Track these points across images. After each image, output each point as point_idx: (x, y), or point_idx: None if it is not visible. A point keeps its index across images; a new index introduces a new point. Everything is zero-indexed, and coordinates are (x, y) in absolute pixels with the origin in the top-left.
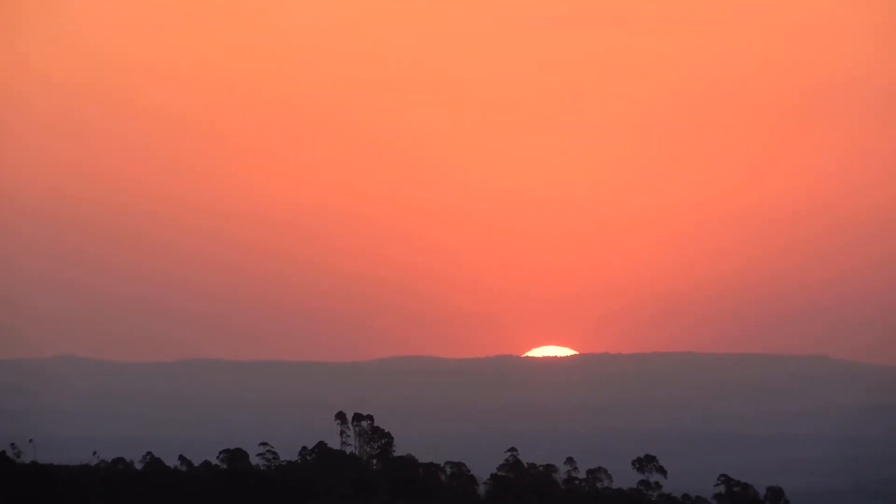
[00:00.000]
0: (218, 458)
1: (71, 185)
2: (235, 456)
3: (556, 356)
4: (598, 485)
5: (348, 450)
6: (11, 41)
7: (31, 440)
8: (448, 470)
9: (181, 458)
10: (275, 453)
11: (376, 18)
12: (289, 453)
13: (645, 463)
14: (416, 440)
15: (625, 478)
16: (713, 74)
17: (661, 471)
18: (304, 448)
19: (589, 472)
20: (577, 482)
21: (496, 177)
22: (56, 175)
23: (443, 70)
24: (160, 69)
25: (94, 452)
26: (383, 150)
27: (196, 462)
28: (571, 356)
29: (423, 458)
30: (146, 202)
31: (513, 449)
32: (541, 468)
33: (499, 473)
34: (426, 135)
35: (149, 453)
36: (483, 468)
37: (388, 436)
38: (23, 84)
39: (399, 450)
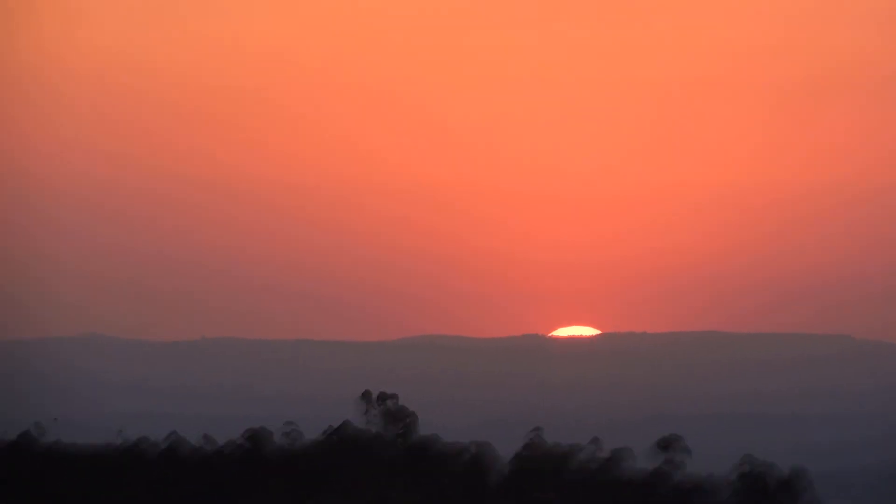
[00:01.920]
0: (242, 436)
1: (98, 168)
2: (259, 435)
3: (581, 336)
4: (623, 464)
5: (373, 429)
6: (37, 30)
7: (55, 419)
8: (472, 449)
9: (205, 436)
10: (299, 432)
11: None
12: (313, 432)
13: (669, 442)
14: (440, 420)
15: (649, 457)
16: (743, 55)
17: (686, 451)
18: (329, 427)
19: (613, 451)
20: (601, 462)
21: (519, 158)
22: (84, 159)
23: (453, 52)
24: (193, 58)
25: (120, 431)
26: (409, 129)
27: (220, 440)
28: (596, 335)
29: (447, 437)
30: (170, 184)
31: (537, 428)
32: (565, 448)
33: (523, 453)
34: (455, 114)
35: (173, 432)
36: (507, 448)
37: (413, 415)
38: (54, 72)
39: (423, 429)
